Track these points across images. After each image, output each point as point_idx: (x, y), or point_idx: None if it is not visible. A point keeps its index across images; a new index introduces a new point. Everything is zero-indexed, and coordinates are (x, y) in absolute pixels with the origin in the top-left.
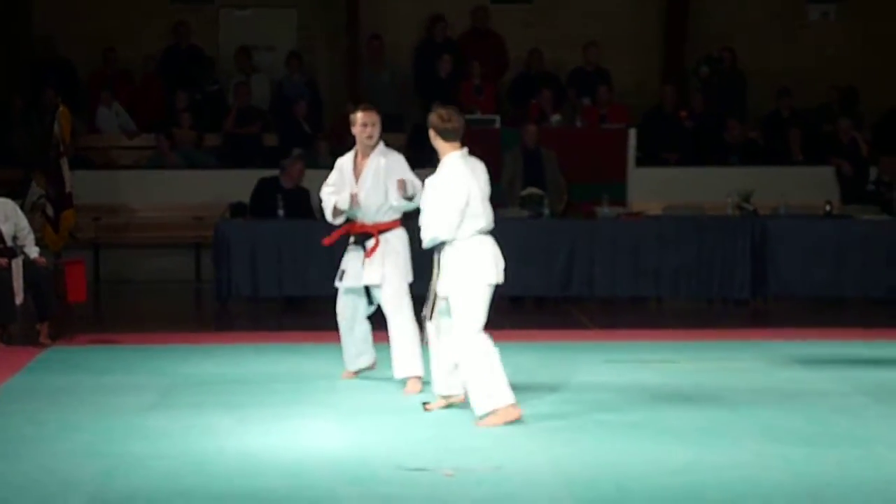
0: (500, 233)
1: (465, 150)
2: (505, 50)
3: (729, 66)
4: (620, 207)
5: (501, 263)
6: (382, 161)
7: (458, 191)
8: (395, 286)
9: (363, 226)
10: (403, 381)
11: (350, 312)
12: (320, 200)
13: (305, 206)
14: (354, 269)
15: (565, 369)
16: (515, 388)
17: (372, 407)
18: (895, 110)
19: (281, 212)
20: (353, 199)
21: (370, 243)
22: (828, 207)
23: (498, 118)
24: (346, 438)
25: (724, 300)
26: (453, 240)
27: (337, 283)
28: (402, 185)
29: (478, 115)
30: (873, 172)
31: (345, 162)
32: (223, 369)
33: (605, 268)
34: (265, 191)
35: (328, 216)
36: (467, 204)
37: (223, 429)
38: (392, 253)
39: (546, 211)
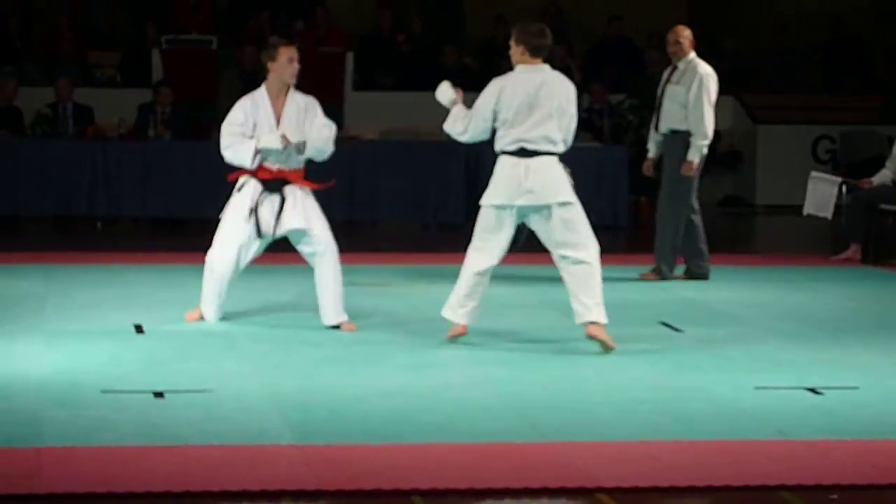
0: (219, 155)
1: (544, 66)
2: None
3: None
4: (337, 131)
5: (527, 185)
6: (302, 102)
7: (483, 96)
8: (324, 229)
9: (280, 171)
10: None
11: (237, 262)
12: (222, 144)
13: (17, 123)
14: (265, 217)
15: (279, 292)
16: (231, 308)
17: (82, 330)
18: (605, 39)
19: None
20: (284, 139)
21: (288, 190)
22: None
23: (215, 39)
24: (53, 361)
25: (440, 225)
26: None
27: (241, 229)
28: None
29: (194, 36)
30: (585, 100)
31: (256, 101)
32: None
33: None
34: None
35: (245, 158)
36: (493, 116)
37: None
38: (310, 197)
39: None
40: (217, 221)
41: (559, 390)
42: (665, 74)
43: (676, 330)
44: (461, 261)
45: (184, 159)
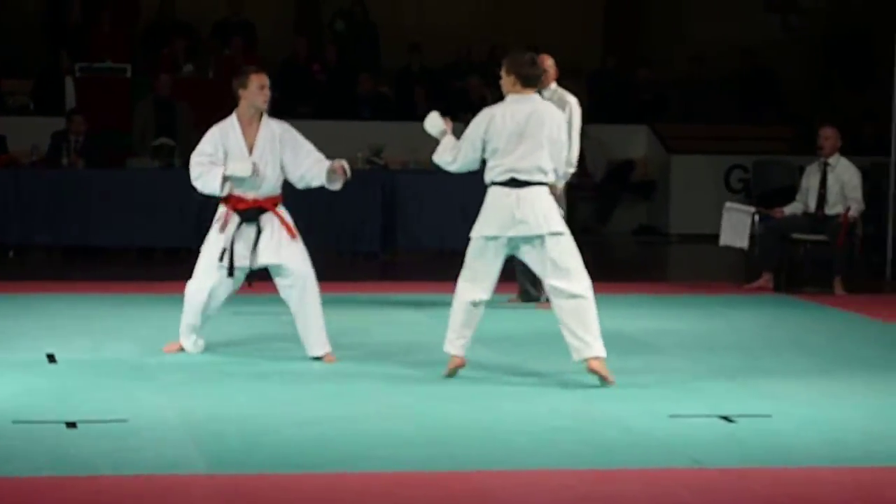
0: (130, 184)
1: (535, 96)
2: None
3: (362, 20)
4: None
5: (519, 216)
6: (277, 130)
7: (473, 125)
8: (300, 261)
9: (256, 200)
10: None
11: (214, 295)
12: (190, 171)
13: None
14: (241, 250)
15: None
16: (144, 339)
17: None
18: None
19: None
20: (255, 167)
21: (265, 220)
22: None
23: (129, 67)
24: None
25: (355, 253)
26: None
27: (207, 265)
28: (343, 171)
29: (108, 64)
30: None
31: (227, 130)
32: None
33: None
34: None
35: (214, 186)
36: (482, 145)
37: None
38: (287, 228)
39: (177, 161)
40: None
41: (477, 419)
42: None
43: None
44: (376, 289)
45: (97, 188)
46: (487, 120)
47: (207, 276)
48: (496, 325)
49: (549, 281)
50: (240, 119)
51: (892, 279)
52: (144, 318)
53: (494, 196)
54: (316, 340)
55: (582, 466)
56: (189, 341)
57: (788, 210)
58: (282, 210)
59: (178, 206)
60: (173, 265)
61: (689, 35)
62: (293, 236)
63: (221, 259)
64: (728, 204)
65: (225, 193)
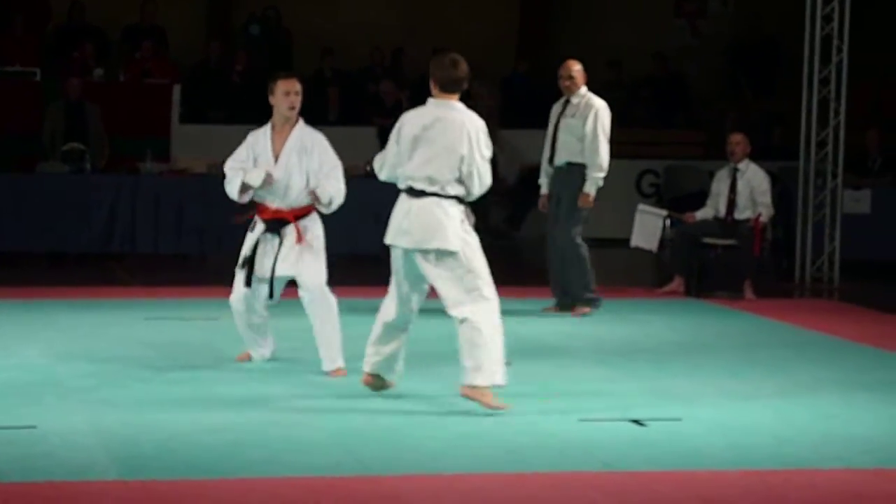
0: (40, 188)
1: (451, 102)
2: (47, 1)
3: (275, 25)
4: (164, 164)
5: (405, 225)
6: (307, 140)
7: (390, 134)
8: (316, 275)
9: (278, 211)
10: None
11: (245, 306)
12: (223, 175)
13: None
14: (264, 259)
15: (105, 327)
16: (53, 344)
17: None
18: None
19: None
20: (269, 177)
21: (288, 231)
22: (368, 168)
23: (39, 70)
24: None
25: None
26: None
27: (238, 272)
28: (315, 196)
29: (17, 68)
30: None
31: (259, 137)
32: None
33: (147, 224)
34: None
35: (233, 193)
36: (395, 154)
37: None
38: (312, 240)
39: (88, 166)
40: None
41: (387, 424)
42: (556, 108)
43: (504, 363)
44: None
45: (8, 192)
46: (401, 123)
47: (239, 285)
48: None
49: (442, 301)
50: (273, 126)
51: (800, 283)
52: (53, 322)
53: (397, 203)
54: (326, 354)
55: (493, 470)
56: (252, 349)
57: (699, 215)
58: (309, 221)
59: (87, 211)
60: (83, 269)
61: (603, 39)
62: (311, 247)
63: (243, 266)
64: (640, 206)
65: (244, 201)
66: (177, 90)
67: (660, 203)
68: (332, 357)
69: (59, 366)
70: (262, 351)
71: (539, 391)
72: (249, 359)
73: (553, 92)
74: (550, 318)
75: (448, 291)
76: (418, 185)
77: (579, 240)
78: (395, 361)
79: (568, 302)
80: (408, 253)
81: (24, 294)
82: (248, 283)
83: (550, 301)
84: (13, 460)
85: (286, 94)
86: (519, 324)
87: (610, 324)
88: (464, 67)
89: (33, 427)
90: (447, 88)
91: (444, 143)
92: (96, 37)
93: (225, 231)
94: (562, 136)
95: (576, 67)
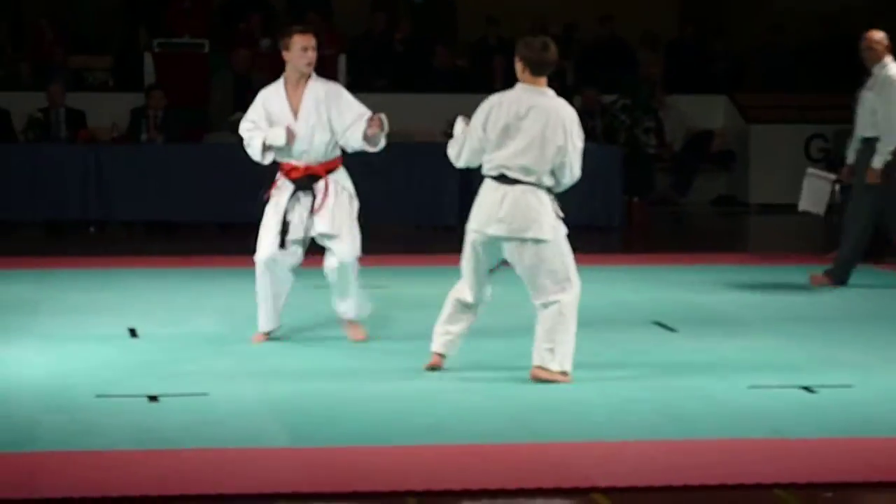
0: (208, 159)
1: (542, 88)
2: None
3: None
4: None
5: (500, 214)
6: (322, 91)
7: (476, 114)
8: (347, 239)
9: (308, 167)
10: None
11: (281, 272)
12: (240, 138)
13: (6, 127)
14: (297, 219)
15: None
16: (224, 313)
17: (75, 335)
18: (601, 44)
19: None
20: (290, 133)
21: (320, 187)
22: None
23: (207, 42)
24: (47, 366)
25: (434, 227)
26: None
27: (264, 237)
28: (379, 121)
29: (186, 39)
30: (577, 101)
31: (271, 94)
32: None
33: None
34: None
35: (255, 154)
36: (480, 140)
37: None
38: (344, 195)
39: None
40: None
41: (552, 391)
42: (866, 81)
43: (671, 330)
44: (454, 261)
45: (176, 163)
46: (489, 108)
47: (266, 249)
48: None
49: (529, 289)
50: (286, 83)
51: None
52: (224, 291)
53: (484, 189)
54: (344, 308)
55: (660, 437)
56: (269, 324)
57: None
58: (339, 175)
59: (255, 180)
60: (251, 239)
61: (768, 3)
62: (347, 206)
63: (280, 230)
64: (809, 170)
65: (268, 161)
66: (342, 60)
67: (829, 168)
68: (349, 308)
69: (230, 334)
70: (277, 324)
71: (708, 359)
72: (267, 336)
73: (716, 58)
74: (715, 284)
75: (539, 279)
76: (512, 174)
77: (871, 216)
78: (459, 341)
79: (844, 278)
80: (496, 240)
81: (195, 263)
82: (283, 244)
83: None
84: (186, 427)
85: (304, 50)
86: (686, 290)
87: (778, 290)
88: (554, 51)
89: (205, 394)
90: (538, 72)
91: (540, 132)
92: (263, 8)
93: (388, 199)
94: (858, 110)
95: (875, 37)
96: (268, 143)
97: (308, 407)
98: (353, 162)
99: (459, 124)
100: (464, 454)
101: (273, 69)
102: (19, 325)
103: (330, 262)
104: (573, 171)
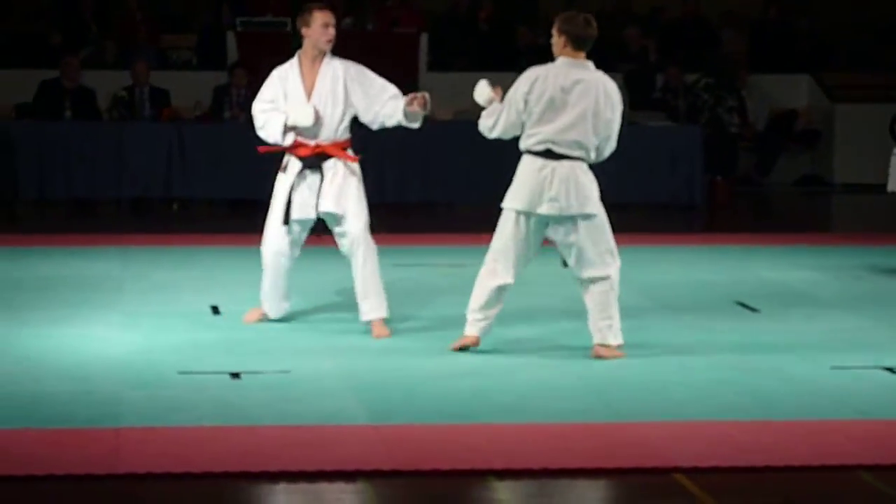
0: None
1: (584, 62)
2: None
3: None
4: None
5: (551, 193)
6: (340, 70)
7: (515, 86)
8: (357, 220)
9: (318, 146)
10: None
11: (288, 249)
12: (252, 118)
13: (92, 106)
14: (304, 198)
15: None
16: (306, 290)
17: (159, 311)
18: (679, 18)
19: (68, 113)
20: (317, 114)
21: (329, 166)
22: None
23: (289, 21)
24: (131, 343)
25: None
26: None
27: (271, 220)
28: (424, 100)
29: (269, 18)
30: (660, 79)
31: (286, 73)
32: (7, 273)
33: (395, 173)
34: (48, 92)
35: (275, 135)
36: (518, 112)
37: (3, 333)
38: (352, 175)
39: None
40: None
41: (634, 370)
42: None
43: (753, 310)
44: None
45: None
46: (531, 80)
47: (276, 231)
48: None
49: (573, 266)
50: (301, 60)
51: None
52: (306, 269)
53: (528, 166)
54: (364, 305)
55: (742, 417)
56: (270, 305)
57: None
58: (346, 155)
59: None
60: None
61: None
62: (354, 184)
63: (285, 209)
64: None
65: (288, 143)
66: (424, 39)
67: None
68: (371, 306)
69: (311, 311)
70: (284, 304)
71: (790, 340)
72: (264, 316)
73: (800, 37)
74: (798, 263)
75: (588, 254)
76: (560, 149)
77: None
78: (494, 323)
79: None
80: (545, 219)
81: None
82: (286, 220)
83: None
84: (267, 404)
85: (325, 27)
86: (768, 270)
87: (861, 271)
88: (595, 26)
89: (287, 372)
90: (580, 46)
91: (588, 106)
92: None
93: (471, 178)
94: None
95: None
96: (291, 123)
97: (388, 384)
98: (436, 139)
99: (485, 90)
100: (544, 433)
101: (355, 48)
102: (103, 303)
103: (341, 243)
104: (612, 144)
